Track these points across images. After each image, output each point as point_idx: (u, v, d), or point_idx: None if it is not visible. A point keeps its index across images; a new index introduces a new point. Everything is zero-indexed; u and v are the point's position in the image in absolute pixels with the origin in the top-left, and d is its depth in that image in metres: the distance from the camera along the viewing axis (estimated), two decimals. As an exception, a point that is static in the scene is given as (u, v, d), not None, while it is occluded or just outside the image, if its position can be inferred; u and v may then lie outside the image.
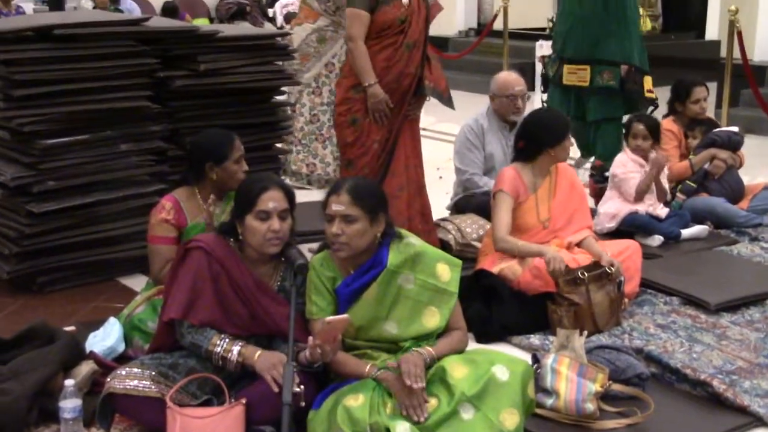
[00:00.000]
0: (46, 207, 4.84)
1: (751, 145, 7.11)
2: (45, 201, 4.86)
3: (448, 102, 5.68)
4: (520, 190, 4.59)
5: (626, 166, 5.68)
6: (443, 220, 5.48)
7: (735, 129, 6.40)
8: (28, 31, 4.87)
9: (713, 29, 13.41)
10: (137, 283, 4.98)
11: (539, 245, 4.49)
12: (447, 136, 8.40)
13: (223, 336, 3.37)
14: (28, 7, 12.10)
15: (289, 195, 3.48)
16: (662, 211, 5.73)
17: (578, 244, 4.60)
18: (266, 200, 3.39)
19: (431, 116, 8.55)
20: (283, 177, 6.41)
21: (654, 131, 5.66)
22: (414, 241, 3.50)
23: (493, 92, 5.61)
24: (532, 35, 13.12)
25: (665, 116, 6.44)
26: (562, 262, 4.27)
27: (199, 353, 3.39)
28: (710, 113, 6.86)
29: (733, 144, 6.16)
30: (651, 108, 6.69)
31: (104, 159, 5.02)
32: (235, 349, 3.34)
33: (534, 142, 4.62)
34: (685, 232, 5.66)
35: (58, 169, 4.89)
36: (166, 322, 3.45)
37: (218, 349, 3.34)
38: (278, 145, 5.78)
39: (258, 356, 3.32)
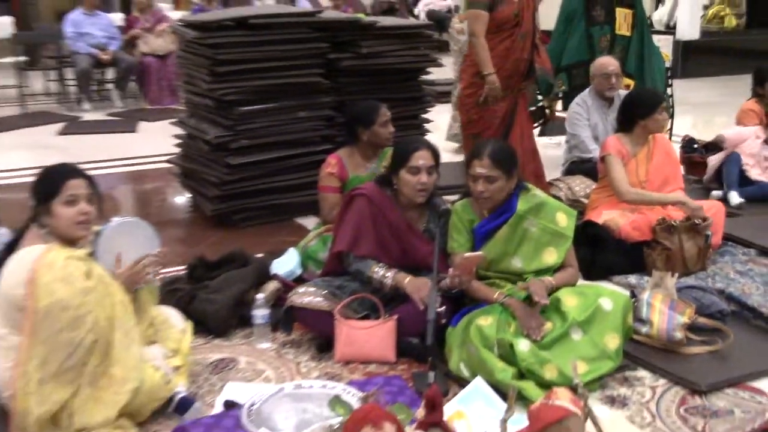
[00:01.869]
0: (240, 160, 4.96)
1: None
2: (240, 155, 4.98)
3: (549, 78, 5.63)
4: (623, 153, 4.48)
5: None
6: (555, 180, 5.40)
7: None
8: (228, 21, 4.98)
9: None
10: (309, 222, 5.06)
11: (671, 194, 4.40)
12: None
13: (380, 264, 3.42)
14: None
15: (436, 154, 3.47)
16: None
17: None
18: (417, 158, 3.40)
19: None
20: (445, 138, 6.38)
21: None
22: (538, 193, 3.46)
23: (593, 73, 5.49)
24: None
25: (749, 99, 6.16)
26: (700, 209, 4.21)
27: (362, 278, 3.44)
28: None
29: None
30: None
31: (286, 123, 5.10)
32: (390, 274, 3.39)
33: (629, 114, 4.52)
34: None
35: (250, 130, 5.00)
36: (336, 253, 3.51)
37: (377, 275, 3.40)
38: (423, 115, 5.74)
39: (408, 281, 3.36)
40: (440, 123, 5.80)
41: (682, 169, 5.70)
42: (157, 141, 7.52)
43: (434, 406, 1.82)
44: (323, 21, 5.22)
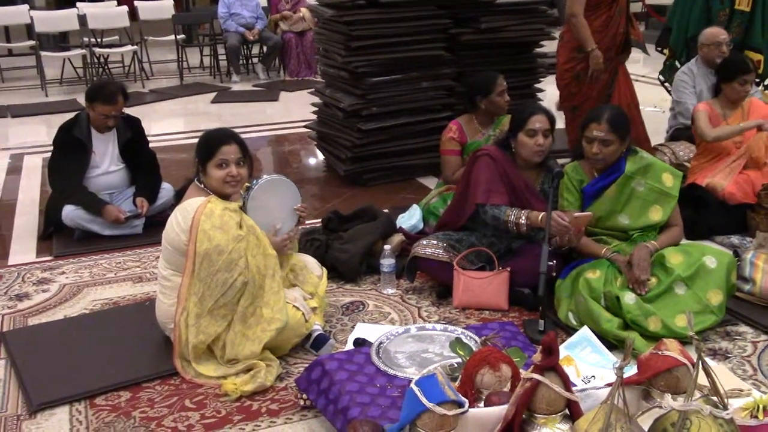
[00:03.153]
0: (370, 125, 4.96)
1: None
2: (370, 121, 4.98)
3: (644, 49, 5.35)
4: (711, 115, 4.29)
5: None
6: (660, 145, 5.14)
7: None
8: (362, 0, 4.92)
9: None
10: (429, 182, 5.04)
11: (749, 121, 4.21)
12: (654, 80, 7.86)
13: (513, 208, 3.30)
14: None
15: (551, 119, 3.35)
16: None
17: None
18: (534, 121, 3.29)
19: (647, 67, 8.04)
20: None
21: None
22: (646, 155, 3.29)
23: (702, 42, 5.14)
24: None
25: None
26: None
27: (497, 224, 3.31)
28: None
29: None
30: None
31: (411, 92, 5.05)
32: (524, 214, 3.27)
33: (717, 78, 4.41)
34: None
35: (379, 99, 4.98)
36: (459, 208, 3.46)
37: (512, 218, 3.27)
38: (536, 85, 5.58)
39: (540, 217, 3.21)
40: (552, 92, 5.62)
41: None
42: (295, 109, 7.63)
43: (551, 351, 1.76)
44: (446, -1, 5.13)
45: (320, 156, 5.89)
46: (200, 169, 2.86)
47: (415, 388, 1.72)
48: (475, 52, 5.22)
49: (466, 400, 1.77)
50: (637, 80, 5.17)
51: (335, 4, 4.97)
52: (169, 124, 7.22)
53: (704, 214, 4.02)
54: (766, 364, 2.84)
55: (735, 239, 3.90)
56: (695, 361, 1.50)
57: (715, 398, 1.61)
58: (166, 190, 4.44)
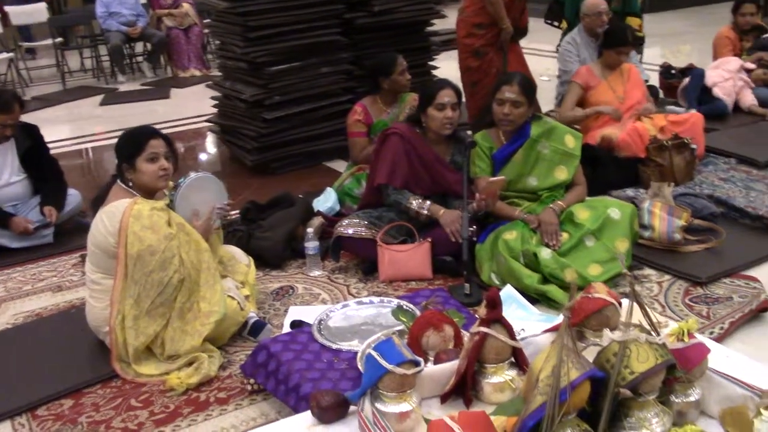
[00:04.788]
0: (274, 114, 4.98)
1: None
2: (273, 110, 4.99)
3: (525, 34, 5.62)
4: (589, 79, 4.61)
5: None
6: (551, 111, 5.41)
7: None
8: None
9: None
10: (337, 165, 5.10)
11: (595, 107, 4.54)
12: (543, 52, 8.20)
13: (416, 196, 3.46)
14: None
15: (458, 92, 3.48)
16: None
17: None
18: (443, 95, 3.42)
19: (532, 42, 8.35)
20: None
21: None
22: (548, 119, 3.49)
23: (584, 12, 5.41)
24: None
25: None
26: (615, 110, 4.44)
27: (399, 208, 3.50)
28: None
29: None
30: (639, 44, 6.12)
31: (311, 79, 5.09)
32: (426, 205, 3.44)
33: (602, 43, 4.72)
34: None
35: (281, 87, 5.00)
36: (374, 187, 3.56)
37: (413, 206, 3.45)
38: (430, 63, 5.73)
39: (442, 213, 3.41)
40: (445, 69, 5.78)
41: (660, 93, 5.80)
42: (189, 105, 7.51)
43: (495, 305, 1.89)
44: (339, -15, 5.18)
45: (222, 149, 5.85)
46: (126, 168, 2.83)
47: (374, 353, 1.81)
48: (371, 35, 5.31)
49: (422, 359, 1.87)
50: (525, 53, 5.38)
51: (229, -4, 4.95)
52: (57, 131, 6.94)
53: (600, 171, 4.25)
54: (672, 300, 3.09)
55: (630, 192, 4.15)
56: (629, 294, 1.65)
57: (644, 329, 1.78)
58: (73, 196, 4.33)
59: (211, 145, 6.18)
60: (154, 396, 2.69)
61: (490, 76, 4.88)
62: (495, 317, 1.91)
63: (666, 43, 9.35)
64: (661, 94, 6.02)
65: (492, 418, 1.66)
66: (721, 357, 1.96)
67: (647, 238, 3.50)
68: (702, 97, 5.51)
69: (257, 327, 3.01)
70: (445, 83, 3.52)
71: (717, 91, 5.52)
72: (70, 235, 4.20)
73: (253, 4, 4.83)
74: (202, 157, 6.06)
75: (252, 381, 2.64)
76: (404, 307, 2.66)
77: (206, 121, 5.90)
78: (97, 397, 2.70)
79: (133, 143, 2.83)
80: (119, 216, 2.72)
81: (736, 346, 2.69)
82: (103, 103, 8.10)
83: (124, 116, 7.34)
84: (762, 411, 1.29)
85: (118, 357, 2.82)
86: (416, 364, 1.82)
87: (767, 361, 2.26)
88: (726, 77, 5.58)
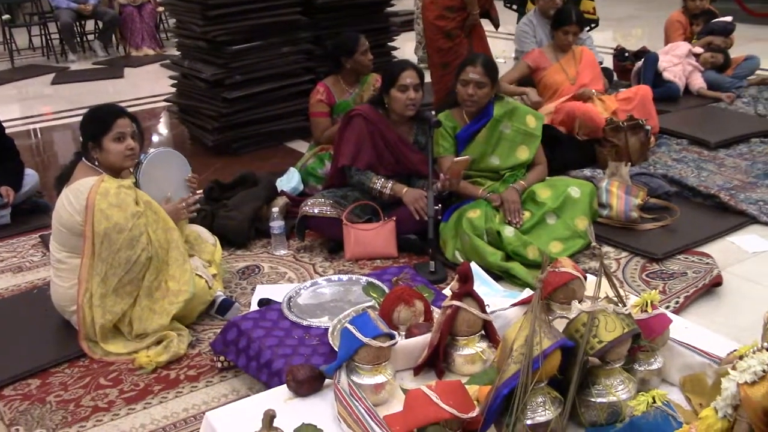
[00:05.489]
0: (235, 94, 4.96)
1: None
2: (234, 90, 4.97)
3: (497, 24, 5.65)
4: (540, 61, 4.72)
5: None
6: (510, 92, 5.48)
7: (729, 19, 6.18)
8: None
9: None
10: (298, 146, 5.12)
11: (522, 89, 4.64)
12: (500, 34, 8.28)
13: (379, 176, 3.50)
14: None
15: (420, 74, 3.52)
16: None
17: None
18: (405, 77, 3.45)
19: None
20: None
21: None
22: (511, 100, 3.56)
23: None
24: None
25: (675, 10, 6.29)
26: (538, 101, 4.52)
27: (363, 188, 3.53)
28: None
29: (727, 31, 5.99)
30: (592, 26, 6.21)
31: (272, 58, 5.08)
32: (389, 185, 3.48)
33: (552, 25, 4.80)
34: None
35: (242, 66, 4.98)
36: (339, 167, 3.59)
37: (377, 186, 3.49)
38: (390, 43, 5.75)
39: (405, 191, 3.46)
40: (406, 49, 5.82)
41: (614, 76, 5.92)
42: (143, 84, 7.42)
43: (466, 279, 1.95)
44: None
45: (181, 129, 5.80)
46: (92, 147, 2.80)
47: (350, 326, 1.85)
48: (331, 15, 5.32)
49: (396, 332, 1.92)
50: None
51: (188, -27, 4.90)
52: (7, 111, 6.79)
53: (558, 151, 4.34)
54: (630, 276, 3.20)
55: (587, 171, 4.26)
56: (598, 268, 1.73)
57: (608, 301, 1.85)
58: (31, 176, 4.27)
59: (169, 125, 6.12)
60: (123, 374, 2.69)
61: (461, 58, 4.92)
62: (466, 291, 1.96)
63: (619, 27, 9.52)
64: (615, 77, 6.15)
65: (466, 387, 1.72)
66: (681, 328, 2.05)
67: (605, 217, 3.60)
68: (655, 80, 5.65)
69: (225, 305, 3.03)
70: (407, 64, 3.55)
71: (668, 75, 5.67)
72: (27, 216, 4.15)
73: (214, -18, 4.79)
74: (161, 137, 5.99)
75: (222, 358, 2.66)
76: (374, 283, 2.71)
77: (165, 100, 5.84)
78: (64, 376, 2.70)
79: (99, 122, 2.80)
80: (86, 194, 2.70)
81: (692, 319, 2.79)
82: (54, 82, 7.94)
83: (77, 95, 7.22)
84: (729, 370, 1.37)
85: (86, 336, 2.81)
86: (391, 337, 1.87)
87: (720, 332, 2.37)
88: (675, 62, 5.73)
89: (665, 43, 6.17)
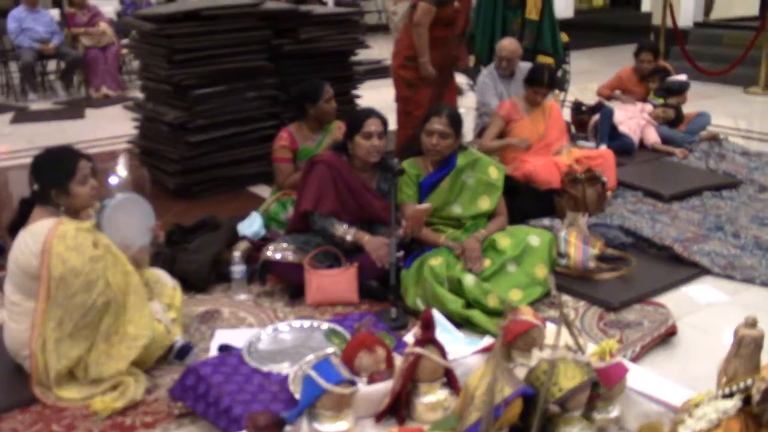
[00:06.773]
0: (198, 138, 4.95)
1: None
2: (197, 134, 4.97)
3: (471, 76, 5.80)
4: (512, 113, 4.83)
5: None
6: (469, 142, 5.56)
7: (684, 77, 6.42)
8: (182, 13, 4.90)
9: (646, 3, 13.39)
10: (260, 190, 5.11)
11: (507, 139, 4.80)
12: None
13: (342, 222, 3.52)
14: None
15: (384, 122, 3.58)
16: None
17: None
18: (369, 124, 3.50)
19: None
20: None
21: None
22: (474, 151, 3.63)
23: (496, 52, 5.63)
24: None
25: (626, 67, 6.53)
26: (527, 143, 4.69)
27: (325, 234, 3.54)
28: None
29: (683, 89, 6.23)
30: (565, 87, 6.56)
31: (236, 103, 5.10)
32: (351, 231, 3.50)
33: (525, 82, 4.88)
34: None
35: (205, 110, 4.99)
36: (301, 212, 3.60)
37: (339, 232, 3.51)
38: (354, 92, 5.83)
39: (367, 239, 3.48)
40: (369, 98, 5.90)
41: (572, 128, 6.08)
42: (104, 125, 7.37)
43: (428, 326, 1.97)
44: (266, 11, 5.22)
45: (142, 171, 5.76)
46: (56, 194, 2.75)
47: (313, 373, 1.85)
48: (297, 62, 5.37)
49: (357, 379, 1.93)
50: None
51: (155, 18, 4.92)
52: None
53: (518, 200, 4.39)
54: (588, 324, 3.24)
55: (546, 221, 4.31)
56: (558, 316, 1.76)
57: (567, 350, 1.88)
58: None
59: (129, 167, 6.07)
60: (77, 421, 2.63)
61: (422, 109, 4.97)
62: (428, 338, 1.98)
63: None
64: (573, 129, 6.30)
65: (428, 434, 1.73)
66: (637, 376, 2.09)
67: (563, 266, 3.66)
68: (611, 133, 5.80)
69: (184, 350, 2.99)
70: (371, 112, 3.60)
71: (623, 128, 5.84)
72: (-20, 257, 4.06)
73: (180, 26, 4.83)
74: (121, 179, 5.94)
75: (179, 404, 2.62)
76: (336, 329, 2.71)
77: (127, 142, 5.81)
78: (15, 422, 2.63)
79: (62, 168, 2.75)
80: (43, 236, 2.66)
81: (648, 368, 2.84)
82: (14, 121, 7.84)
83: (37, 135, 7.12)
84: (685, 418, 1.41)
85: (38, 381, 2.74)
86: (353, 383, 1.87)
87: (676, 381, 2.41)
88: (629, 116, 5.91)
89: (616, 88, 6.39)
